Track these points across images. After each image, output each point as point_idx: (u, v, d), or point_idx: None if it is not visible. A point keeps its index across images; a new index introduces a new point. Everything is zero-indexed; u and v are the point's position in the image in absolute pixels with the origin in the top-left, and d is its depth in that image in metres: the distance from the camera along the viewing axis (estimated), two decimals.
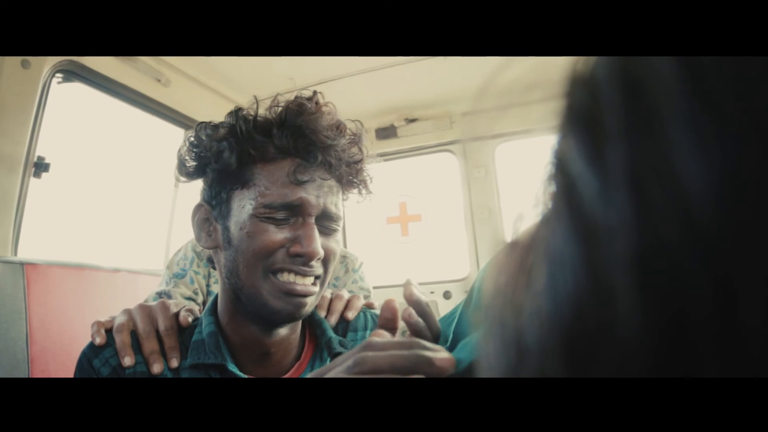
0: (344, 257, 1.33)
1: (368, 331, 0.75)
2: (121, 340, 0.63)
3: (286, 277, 0.62)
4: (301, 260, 0.62)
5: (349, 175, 0.66)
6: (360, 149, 0.66)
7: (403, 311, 0.41)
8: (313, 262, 0.63)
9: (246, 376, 0.65)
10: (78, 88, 1.43)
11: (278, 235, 0.61)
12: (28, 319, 1.16)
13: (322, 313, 0.74)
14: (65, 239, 1.61)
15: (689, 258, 0.11)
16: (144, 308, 0.68)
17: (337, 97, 0.67)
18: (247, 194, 0.62)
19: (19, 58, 1.20)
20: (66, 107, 1.41)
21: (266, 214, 0.61)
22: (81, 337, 0.67)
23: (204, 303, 1.16)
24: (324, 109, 0.64)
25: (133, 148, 1.84)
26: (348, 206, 0.71)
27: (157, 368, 0.62)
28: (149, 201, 1.87)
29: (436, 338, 0.42)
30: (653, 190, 0.12)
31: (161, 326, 0.66)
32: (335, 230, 0.66)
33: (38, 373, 1.15)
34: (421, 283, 2.20)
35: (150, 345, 0.64)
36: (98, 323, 0.66)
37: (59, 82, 1.35)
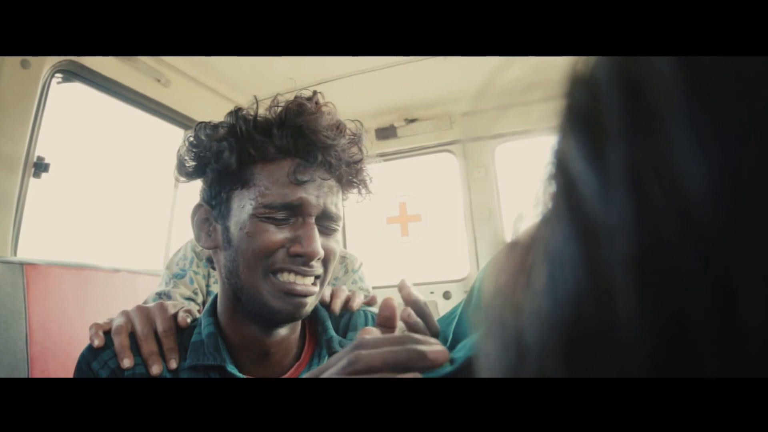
0: (344, 258, 1.33)
1: None
2: (120, 342, 0.63)
3: (287, 277, 0.62)
4: (301, 260, 0.62)
5: (349, 175, 0.66)
6: (360, 149, 0.66)
7: (402, 311, 0.41)
8: (313, 262, 0.63)
9: (244, 377, 0.65)
10: (78, 88, 1.43)
11: (278, 235, 0.61)
12: (27, 320, 1.16)
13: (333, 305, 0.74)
14: (65, 239, 1.61)
15: (689, 258, 0.11)
16: (142, 310, 0.68)
17: (337, 97, 0.67)
18: (247, 194, 0.62)
19: (18, 58, 1.20)
20: (66, 107, 1.41)
21: (266, 214, 0.61)
22: (81, 338, 0.67)
23: (204, 303, 1.16)
24: (324, 109, 0.64)
25: (133, 148, 1.84)
26: (348, 206, 0.71)
27: (155, 369, 0.62)
28: (149, 201, 1.87)
29: (434, 338, 0.42)
30: (653, 190, 0.12)
31: (159, 327, 0.65)
32: (335, 230, 0.66)
33: (38, 373, 1.15)
34: (420, 284, 2.21)
35: (148, 346, 0.64)
36: (96, 325, 0.65)
37: (59, 82, 1.35)
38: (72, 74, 1.38)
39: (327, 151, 0.62)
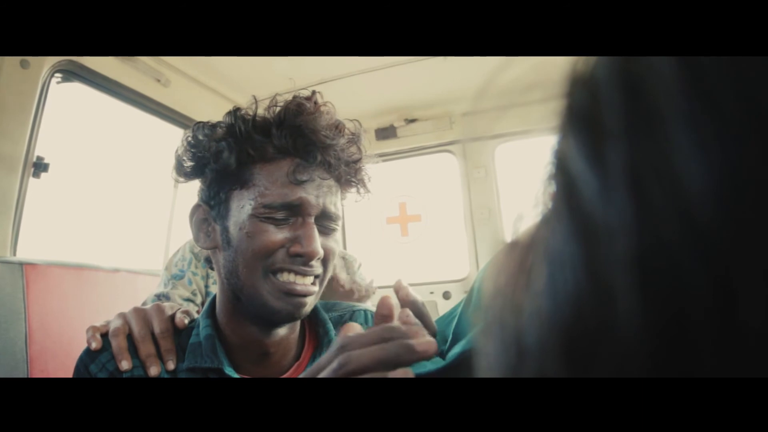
0: (343, 258, 1.33)
1: None
2: (118, 344, 0.63)
3: (286, 277, 0.62)
4: (301, 260, 0.62)
5: (348, 175, 0.66)
6: (359, 148, 0.66)
7: (400, 312, 0.41)
8: (313, 262, 0.62)
9: (241, 377, 0.65)
10: (77, 88, 1.43)
11: (278, 235, 0.61)
12: (27, 320, 1.16)
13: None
14: (64, 239, 1.61)
15: (689, 258, 0.11)
16: (139, 311, 0.67)
17: (337, 98, 0.67)
18: (247, 194, 0.62)
19: (18, 58, 1.20)
20: (65, 107, 1.41)
21: (266, 214, 0.61)
22: (80, 338, 0.66)
23: (203, 304, 1.16)
24: (323, 108, 0.64)
25: (133, 148, 1.84)
26: (348, 206, 0.71)
27: (153, 371, 0.62)
28: (149, 201, 1.87)
29: (433, 336, 0.42)
30: (653, 190, 0.12)
31: (157, 329, 0.65)
32: (334, 230, 0.66)
33: (37, 373, 1.15)
34: (420, 284, 2.21)
35: (146, 348, 0.63)
36: (93, 328, 0.65)
37: (58, 82, 1.35)
38: (71, 74, 1.38)
39: (326, 150, 0.62)
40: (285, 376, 0.69)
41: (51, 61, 1.28)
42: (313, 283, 0.64)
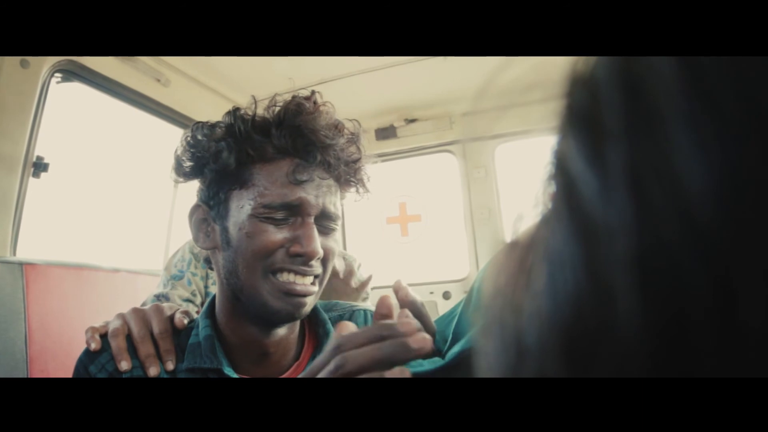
0: (342, 259, 1.33)
1: None
2: (117, 344, 0.63)
3: (286, 277, 0.62)
4: (300, 260, 0.62)
5: (348, 174, 0.66)
6: (358, 148, 0.66)
7: (399, 313, 0.41)
8: (313, 262, 0.62)
9: (240, 377, 0.65)
10: (77, 87, 1.43)
11: (277, 235, 0.61)
12: (27, 320, 1.16)
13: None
14: (64, 239, 1.61)
15: (689, 258, 0.11)
16: (138, 312, 0.67)
17: (337, 98, 0.67)
18: (246, 194, 0.62)
19: (18, 58, 1.20)
20: (65, 107, 1.41)
21: (265, 214, 0.61)
22: (80, 338, 0.66)
23: (202, 304, 1.16)
24: (322, 108, 0.63)
25: (133, 148, 1.84)
26: (348, 206, 0.71)
27: (153, 371, 0.62)
28: (149, 201, 1.87)
29: (432, 338, 0.42)
30: (653, 190, 0.12)
31: (156, 329, 0.65)
32: (334, 229, 0.66)
33: (37, 373, 1.15)
34: (420, 284, 2.21)
35: (145, 348, 0.63)
36: (92, 329, 0.65)
37: (58, 82, 1.35)
38: (71, 74, 1.38)
39: (326, 150, 0.62)
40: (284, 376, 0.69)
41: (51, 60, 1.28)
42: (313, 283, 0.64)
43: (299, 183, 0.61)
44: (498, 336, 0.16)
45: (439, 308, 2.14)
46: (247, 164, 0.62)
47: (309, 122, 0.61)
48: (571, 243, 0.13)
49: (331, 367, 0.35)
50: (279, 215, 0.61)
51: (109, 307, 1.35)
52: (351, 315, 0.75)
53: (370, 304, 0.81)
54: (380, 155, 2.25)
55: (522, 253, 0.16)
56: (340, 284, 1.18)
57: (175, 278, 1.15)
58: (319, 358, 0.36)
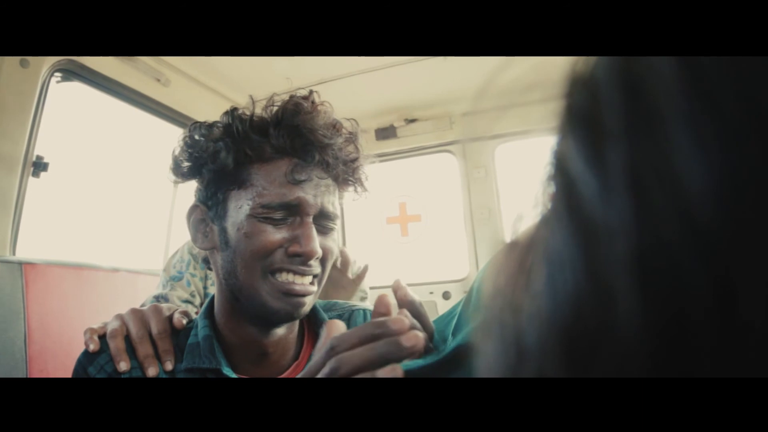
0: (339, 250, 1.33)
1: None
2: (116, 345, 0.63)
3: (285, 277, 0.62)
4: (299, 260, 0.62)
5: (346, 174, 0.66)
6: (356, 147, 0.66)
7: (398, 313, 0.41)
8: (312, 262, 0.62)
9: (238, 377, 0.65)
10: (77, 87, 1.43)
11: (276, 235, 0.61)
12: (26, 319, 1.16)
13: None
14: (64, 239, 1.61)
15: (689, 258, 0.11)
16: (136, 312, 0.67)
17: (336, 98, 0.67)
18: (244, 195, 0.62)
19: (18, 57, 1.20)
20: (65, 106, 1.41)
21: (264, 215, 0.61)
22: (80, 337, 0.66)
23: (202, 305, 1.16)
24: (320, 108, 0.63)
25: (133, 147, 1.84)
26: (348, 206, 0.71)
27: (152, 372, 0.62)
28: (148, 200, 1.87)
29: (430, 338, 0.42)
30: (653, 190, 0.12)
31: (154, 330, 0.65)
32: (332, 229, 0.66)
33: (36, 373, 1.15)
34: (420, 284, 2.21)
35: (144, 349, 0.63)
36: (91, 330, 0.65)
37: (58, 82, 1.35)
38: (71, 73, 1.38)
39: (324, 150, 0.62)
40: (284, 375, 0.68)
41: (51, 60, 1.28)
42: (312, 283, 0.64)
43: (298, 183, 0.61)
44: (498, 336, 0.16)
45: (438, 308, 2.14)
46: (245, 164, 0.62)
47: (307, 122, 0.61)
48: (571, 243, 0.13)
49: (326, 370, 0.35)
50: (277, 215, 0.61)
51: (109, 306, 1.35)
52: (350, 315, 0.75)
53: (369, 304, 0.81)
54: (380, 155, 2.25)
55: (522, 254, 0.16)
56: (337, 275, 1.18)
57: (174, 279, 1.15)
58: (315, 361, 0.36)
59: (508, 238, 0.17)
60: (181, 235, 1.69)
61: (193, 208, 0.67)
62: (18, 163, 1.23)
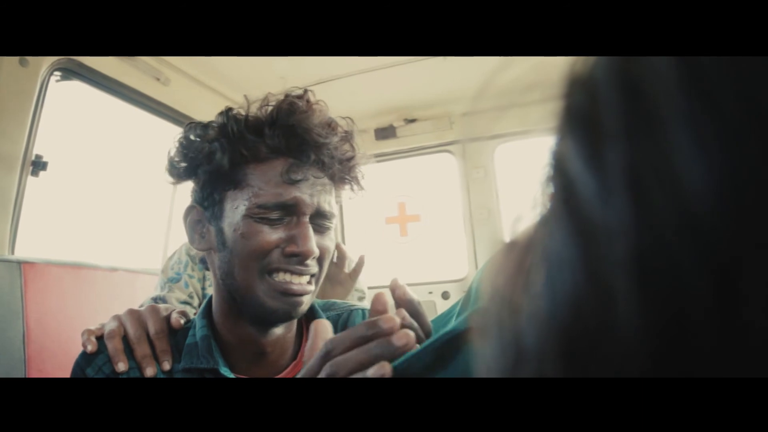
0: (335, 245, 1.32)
1: None
2: (113, 346, 0.63)
3: (282, 277, 0.62)
4: (296, 260, 0.61)
5: (342, 173, 0.66)
6: (352, 146, 0.66)
7: (396, 313, 0.41)
8: (309, 261, 0.62)
9: (236, 377, 0.64)
10: (76, 86, 1.43)
11: (273, 235, 0.61)
12: (25, 319, 1.16)
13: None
14: (63, 238, 1.60)
15: (689, 258, 0.11)
16: (133, 313, 0.67)
17: (336, 98, 0.67)
18: (240, 195, 0.62)
19: (17, 56, 1.20)
20: (64, 105, 1.41)
21: (260, 215, 0.61)
22: (78, 337, 0.66)
23: (200, 306, 1.16)
24: (315, 107, 0.63)
25: (132, 146, 1.84)
26: (347, 206, 0.71)
27: (149, 372, 0.62)
28: (147, 200, 1.87)
29: (428, 336, 0.42)
30: (652, 190, 0.12)
31: (151, 330, 0.65)
32: (329, 228, 0.66)
33: (35, 373, 1.15)
34: (419, 284, 2.21)
35: (142, 349, 0.63)
36: (88, 331, 0.65)
37: (57, 81, 1.35)
38: (71, 72, 1.38)
39: (320, 149, 0.62)
40: (282, 375, 0.68)
41: (50, 59, 1.28)
42: (309, 282, 0.64)
43: (294, 182, 0.61)
44: (496, 336, 0.16)
45: (438, 308, 2.14)
46: (241, 165, 0.62)
47: (302, 121, 0.61)
48: (570, 243, 0.13)
49: (323, 375, 0.35)
50: (274, 215, 0.61)
51: (108, 306, 1.35)
52: (349, 314, 0.75)
53: (367, 304, 0.81)
54: (380, 155, 2.25)
55: (521, 254, 0.16)
56: (334, 270, 1.18)
57: (172, 281, 1.15)
58: (311, 365, 0.37)
59: (507, 239, 0.17)
60: (180, 235, 1.69)
61: (190, 209, 0.67)
62: (17, 162, 1.23)
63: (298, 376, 0.38)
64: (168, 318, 0.68)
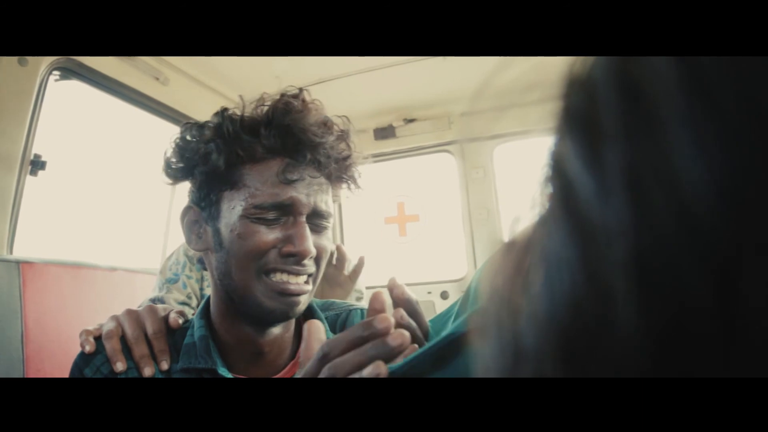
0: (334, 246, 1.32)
1: None
2: (111, 346, 0.63)
3: (279, 277, 0.62)
4: (293, 259, 0.61)
5: (338, 172, 0.66)
6: (348, 145, 0.66)
7: (395, 312, 0.41)
8: (306, 261, 0.62)
9: (234, 377, 0.64)
10: (75, 85, 1.42)
11: (269, 235, 0.61)
12: (23, 318, 1.15)
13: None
14: (62, 237, 1.60)
15: (688, 258, 0.11)
16: (132, 313, 0.67)
17: (335, 97, 0.67)
18: (237, 195, 0.62)
19: (16, 56, 1.20)
20: (63, 105, 1.40)
21: (257, 215, 0.61)
22: (77, 337, 0.66)
23: (198, 307, 1.16)
24: (311, 106, 0.63)
25: (131, 146, 1.83)
26: (346, 206, 0.71)
27: (148, 372, 0.62)
28: (146, 199, 1.87)
29: (425, 336, 0.42)
30: (652, 190, 0.12)
31: (149, 330, 0.65)
32: (326, 227, 0.66)
33: (33, 373, 1.15)
34: (418, 283, 2.21)
35: (140, 349, 0.63)
36: (86, 332, 0.65)
37: (56, 80, 1.35)
38: (70, 72, 1.37)
39: (316, 149, 0.62)
40: (280, 375, 0.68)
41: (49, 59, 1.28)
42: (306, 282, 0.64)
43: (290, 182, 0.61)
44: (495, 336, 0.16)
45: (436, 308, 2.14)
46: (237, 165, 0.62)
47: (298, 121, 0.61)
48: (569, 244, 0.13)
49: (322, 378, 0.35)
50: (270, 215, 0.61)
51: (107, 305, 1.34)
52: (348, 314, 0.75)
53: (365, 304, 0.81)
54: (379, 155, 2.25)
55: (519, 254, 0.16)
56: (333, 272, 1.17)
57: (170, 282, 1.15)
58: (308, 369, 0.37)
59: (506, 239, 0.17)
60: (179, 234, 1.69)
61: (187, 209, 0.67)
62: (16, 162, 1.22)
63: (299, 376, 0.38)
64: (166, 318, 0.68)
